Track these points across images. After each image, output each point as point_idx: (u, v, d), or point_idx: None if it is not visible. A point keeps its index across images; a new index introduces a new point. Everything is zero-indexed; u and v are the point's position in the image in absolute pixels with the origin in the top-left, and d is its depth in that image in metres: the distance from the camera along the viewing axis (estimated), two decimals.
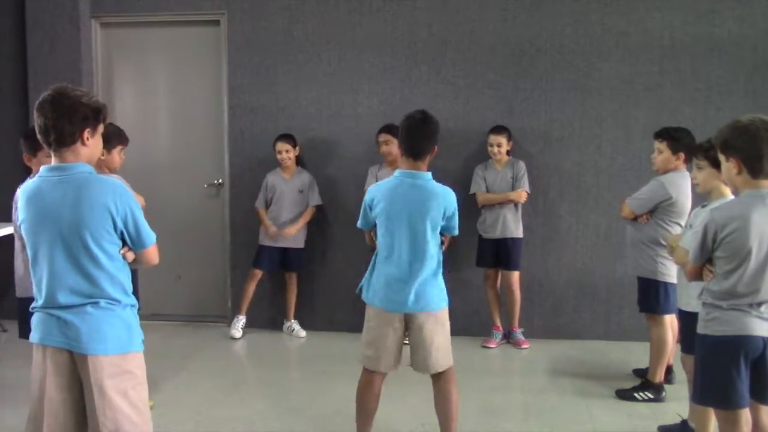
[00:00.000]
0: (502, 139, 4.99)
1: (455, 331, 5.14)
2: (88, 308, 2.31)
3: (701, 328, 2.64)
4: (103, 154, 3.62)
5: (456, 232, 3.19)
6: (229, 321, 5.53)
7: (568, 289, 5.29)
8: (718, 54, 5.04)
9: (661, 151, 4.00)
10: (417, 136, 3.14)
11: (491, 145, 4.99)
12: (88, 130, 2.33)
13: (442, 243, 3.20)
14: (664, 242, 3.91)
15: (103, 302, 2.33)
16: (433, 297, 3.13)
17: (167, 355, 4.96)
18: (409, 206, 3.09)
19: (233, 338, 5.28)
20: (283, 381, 4.44)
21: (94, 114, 2.35)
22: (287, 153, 5.23)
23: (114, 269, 2.35)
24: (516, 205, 5.03)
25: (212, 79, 5.61)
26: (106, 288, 2.33)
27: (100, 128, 2.39)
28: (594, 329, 5.27)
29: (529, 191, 5.04)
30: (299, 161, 5.37)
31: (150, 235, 2.43)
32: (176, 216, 5.60)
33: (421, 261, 3.08)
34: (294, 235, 5.27)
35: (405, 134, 3.16)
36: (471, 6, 5.22)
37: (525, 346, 5.09)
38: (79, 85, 5.73)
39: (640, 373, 4.38)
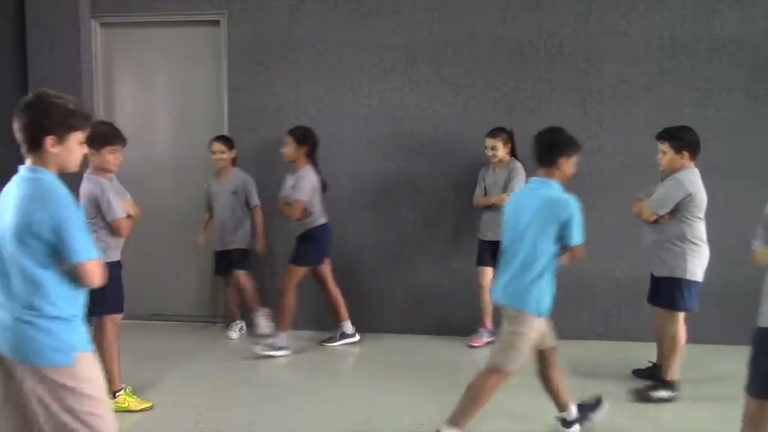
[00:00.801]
0: (497, 143, 4.95)
1: (458, 332, 5.20)
2: (13, 317, 2.26)
3: (759, 322, 2.67)
4: (92, 154, 3.63)
5: (571, 242, 3.21)
6: (228, 321, 5.54)
7: (568, 290, 5.28)
8: (718, 54, 5.04)
9: (665, 152, 4.01)
10: (537, 145, 3.35)
11: (486, 148, 4.98)
12: (52, 136, 2.31)
13: (561, 254, 3.26)
14: (691, 238, 3.94)
15: (28, 313, 2.25)
16: (515, 296, 3.27)
17: (167, 356, 4.97)
18: (520, 209, 3.30)
19: (231, 339, 5.32)
20: (284, 381, 4.44)
21: (63, 120, 2.31)
22: (222, 154, 5.20)
23: (43, 279, 2.26)
24: None
25: (212, 79, 5.61)
26: (31, 298, 2.25)
27: (74, 136, 2.34)
28: (594, 329, 5.27)
29: None
30: (235, 163, 5.35)
31: (82, 251, 2.27)
32: (176, 216, 5.60)
33: (516, 259, 3.25)
34: (238, 236, 5.26)
35: (532, 143, 3.39)
36: (471, 6, 5.23)
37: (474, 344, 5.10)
38: (79, 85, 5.78)
39: (639, 373, 4.38)
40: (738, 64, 5.03)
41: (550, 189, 3.27)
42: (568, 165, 3.32)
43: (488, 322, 5.16)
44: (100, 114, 5.73)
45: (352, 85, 5.39)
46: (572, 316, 5.29)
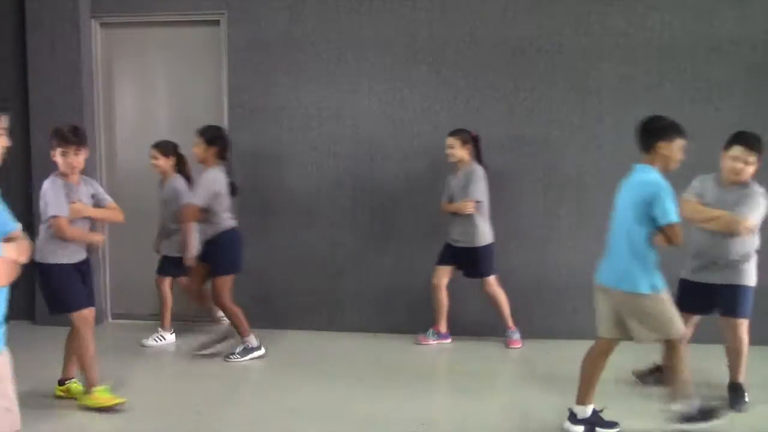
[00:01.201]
0: (453, 141, 4.93)
1: (458, 332, 5.19)
2: None
3: None
4: (52, 155, 3.80)
5: (663, 220, 3.28)
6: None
7: (568, 289, 5.29)
8: (718, 54, 5.04)
9: (751, 164, 3.83)
10: (638, 132, 3.50)
11: (446, 147, 4.97)
12: None
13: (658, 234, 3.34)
14: (754, 246, 3.92)
15: None
16: (622, 278, 3.40)
17: (167, 355, 4.97)
18: (621, 193, 3.48)
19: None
20: (283, 381, 4.44)
21: None
22: (155, 160, 5.07)
23: None
24: (475, 212, 4.93)
25: (212, 80, 5.61)
26: None
27: None
28: (594, 329, 5.25)
29: (480, 199, 4.92)
30: (183, 170, 5.16)
31: None
32: None
33: (617, 242, 3.44)
34: (164, 244, 5.16)
35: (635, 132, 3.52)
36: (471, 6, 5.23)
37: (514, 346, 5.09)
38: (79, 85, 5.78)
39: (642, 374, 4.36)
40: (738, 64, 5.03)
41: (644, 173, 3.39)
42: (669, 149, 3.39)
43: (441, 326, 5.15)
44: (99, 114, 5.74)
45: (352, 85, 5.39)
46: (572, 316, 5.29)
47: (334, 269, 5.50)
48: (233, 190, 4.83)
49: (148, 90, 5.79)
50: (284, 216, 5.51)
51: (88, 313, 3.94)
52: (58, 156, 3.79)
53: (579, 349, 5.01)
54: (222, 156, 4.77)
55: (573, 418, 3.58)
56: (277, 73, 5.44)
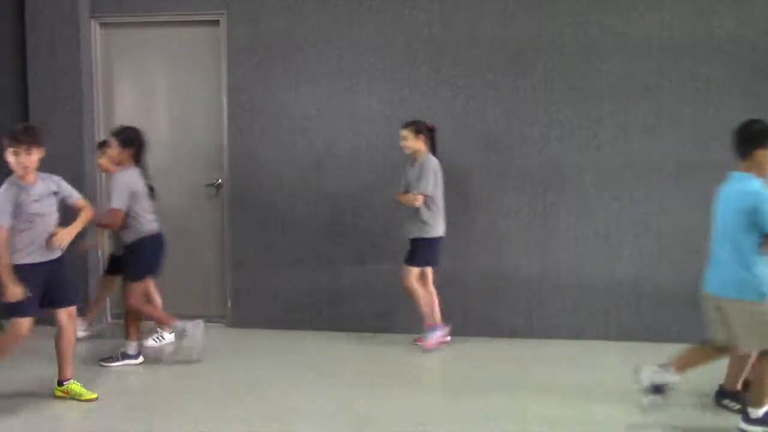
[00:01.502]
0: (406, 133, 4.88)
1: (457, 332, 5.19)
2: None
3: None
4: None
5: (765, 229, 3.27)
6: (229, 321, 5.55)
7: (568, 289, 5.29)
8: (718, 54, 5.04)
9: None
10: (734, 138, 3.42)
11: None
12: None
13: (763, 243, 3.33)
14: None
15: None
16: (729, 287, 3.39)
17: (165, 355, 4.97)
18: (720, 202, 3.46)
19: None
20: (283, 381, 4.44)
21: None
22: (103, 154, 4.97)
23: None
24: (422, 205, 4.88)
25: (212, 79, 5.61)
26: None
27: None
28: (594, 329, 5.28)
29: (428, 193, 4.86)
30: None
31: None
32: (175, 216, 5.59)
33: (722, 251, 3.41)
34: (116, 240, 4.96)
35: (731, 137, 3.46)
36: (471, 6, 5.23)
37: (421, 343, 5.02)
38: (79, 85, 5.78)
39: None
40: (737, 64, 5.03)
41: (744, 184, 3.34)
42: (766, 156, 3.32)
43: (437, 322, 5.12)
44: (99, 114, 5.74)
45: (351, 85, 5.39)
46: (572, 316, 5.30)
47: (334, 269, 5.50)
48: (152, 193, 4.74)
49: (147, 90, 5.79)
50: (284, 216, 5.51)
51: (25, 323, 3.80)
52: (10, 156, 3.73)
53: (579, 348, 5.04)
54: (138, 158, 4.64)
55: (654, 374, 3.57)
56: (277, 73, 5.45)
